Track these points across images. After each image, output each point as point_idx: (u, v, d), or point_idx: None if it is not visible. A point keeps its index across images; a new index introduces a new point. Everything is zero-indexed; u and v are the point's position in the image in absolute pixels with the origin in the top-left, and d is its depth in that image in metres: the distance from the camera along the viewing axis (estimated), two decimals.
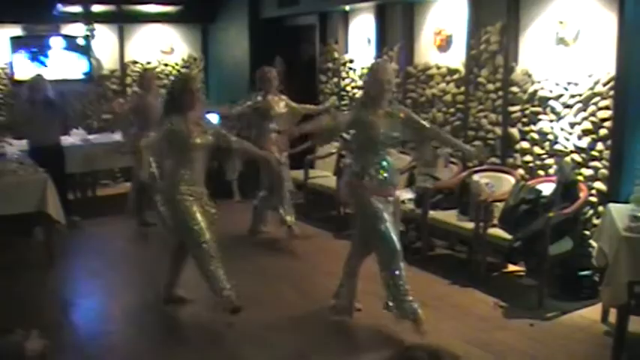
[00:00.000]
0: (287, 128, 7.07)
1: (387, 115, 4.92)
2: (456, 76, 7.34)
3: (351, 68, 9.07)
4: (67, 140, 8.57)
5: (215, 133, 5.37)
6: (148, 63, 10.76)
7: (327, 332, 5.12)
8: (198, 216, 5.12)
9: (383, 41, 8.39)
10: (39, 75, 8.06)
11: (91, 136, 9.15)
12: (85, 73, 10.00)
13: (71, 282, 6.68)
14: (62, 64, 9.71)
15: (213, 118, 7.12)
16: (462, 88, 7.20)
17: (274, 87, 7.45)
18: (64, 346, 4.85)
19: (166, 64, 10.96)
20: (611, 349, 4.56)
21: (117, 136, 9.21)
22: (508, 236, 5.74)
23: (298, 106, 7.65)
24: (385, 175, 4.91)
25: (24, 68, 9.38)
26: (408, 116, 5.05)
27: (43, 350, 3.03)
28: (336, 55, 9.33)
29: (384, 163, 4.93)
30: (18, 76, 9.40)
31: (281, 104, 7.47)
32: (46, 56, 9.63)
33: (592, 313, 5.30)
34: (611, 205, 5.09)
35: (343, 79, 9.20)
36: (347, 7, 8.74)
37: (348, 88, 9.10)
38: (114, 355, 4.88)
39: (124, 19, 10.51)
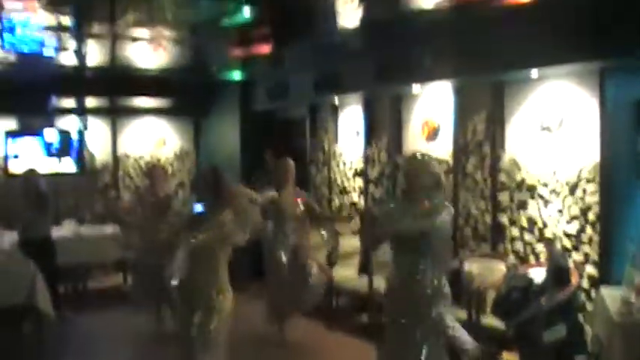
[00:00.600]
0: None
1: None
2: (444, 167, 7.43)
3: (340, 160, 9.18)
4: (58, 232, 8.53)
5: None
6: (141, 156, 10.87)
7: None
8: None
9: (372, 133, 8.54)
10: (32, 169, 8.12)
11: (82, 228, 9.11)
12: (78, 166, 10.07)
13: None
14: (55, 157, 9.79)
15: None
16: (451, 178, 7.28)
17: (291, 182, 7.02)
18: None
19: (159, 158, 11.06)
20: None
21: (109, 229, 9.21)
22: (501, 324, 5.69)
23: (319, 210, 7.27)
24: None
25: (18, 161, 9.46)
26: None
27: None
28: (326, 146, 9.47)
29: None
30: (12, 169, 9.48)
31: (299, 204, 6.97)
32: (40, 149, 9.72)
33: None
34: (603, 290, 5.09)
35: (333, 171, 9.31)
36: (336, 100, 8.93)
37: (339, 181, 9.19)
38: None
39: (117, 112, 10.71)
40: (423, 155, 4.58)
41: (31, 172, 8.03)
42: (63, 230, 8.82)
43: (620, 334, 4.32)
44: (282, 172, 7.00)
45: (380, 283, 6.15)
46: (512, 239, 6.57)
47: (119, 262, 9.68)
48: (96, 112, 10.51)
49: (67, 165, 9.98)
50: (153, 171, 7.75)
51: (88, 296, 9.12)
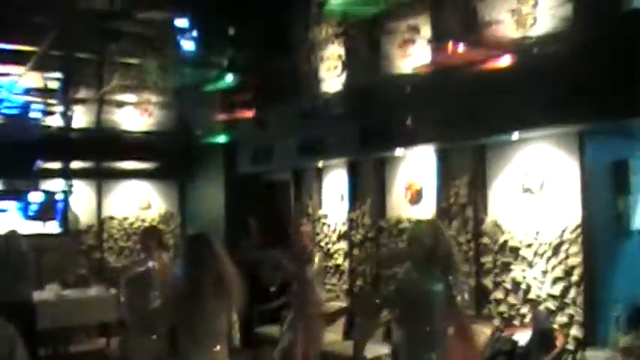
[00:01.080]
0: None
1: None
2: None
3: (325, 223, 9.20)
4: (40, 295, 8.44)
5: None
6: (125, 218, 10.85)
7: None
8: None
9: (356, 196, 8.59)
10: (13, 230, 8.07)
11: (65, 292, 9.00)
12: (62, 228, 10.02)
13: None
14: (39, 220, 9.75)
15: None
16: None
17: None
18: None
19: (143, 220, 11.03)
20: None
21: (93, 291, 9.12)
22: None
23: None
24: None
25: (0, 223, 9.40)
26: None
27: None
28: (310, 210, 9.50)
29: None
30: None
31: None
32: (23, 211, 9.69)
33: None
34: (588, 352, 5.08)
35: (318, 234, 9.31)
36: (320, 164, 9.00)
37: (323, 244, 9.18)
38: None
39: (102, 175, 10.75)
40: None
41: (12, 233, 7.99)
42: (45, 294, 8.72)
43: None
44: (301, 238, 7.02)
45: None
46: (497, 302, 6.56)
47: (102, 325, 9.58)
48: (81, 174, 10.54)
49: (51, 226, 9.92)
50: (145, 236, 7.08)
51: None
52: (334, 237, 9.03)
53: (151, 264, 6.79)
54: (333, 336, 7.79)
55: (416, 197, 7.66)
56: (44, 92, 9.75)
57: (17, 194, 9.81)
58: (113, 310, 8.32)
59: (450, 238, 4.02)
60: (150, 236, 7.06)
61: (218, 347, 4.27)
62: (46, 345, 8.83)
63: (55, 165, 10.21)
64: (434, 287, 3.87)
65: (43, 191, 10.06)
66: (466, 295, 4.08)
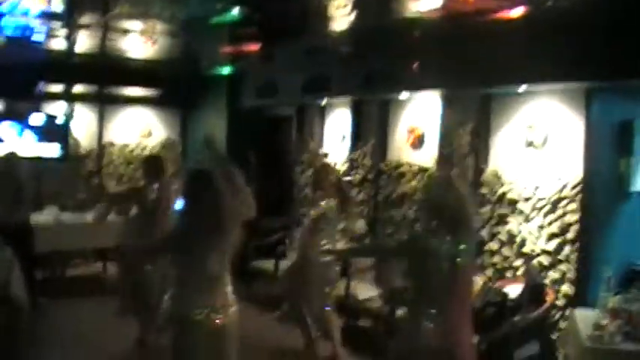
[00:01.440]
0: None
1: None
2: (427, 175, 7.44)
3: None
4: (39, 218, 8.46)
5: None
6: (126, 145, 10.84)
7: None
8: None
9: (358, 137, 8.54)
10: (12, 152, 8.04)
11: (64, 215, 9.03)
12: (62, 152, 10.01)
13: None
14: (40, 142, 9.73)
15: None
16: None
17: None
18: None
19: (144, 147, 11.00)
20: None
21: (90, 217, 9.15)
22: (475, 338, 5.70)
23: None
24: None
25: (1, 145, 9.38)
26: None
27: None
28: (311, 147, 9.45)
29: None
30: None
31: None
32: (24, 133, 9.66)
33: None
34: (577, 312, 5.11)
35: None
36: (324, 102, 8.92)
37: None
38: None
39: (104, 100, 10.66)
40: None
41: (12, 156, 7.96)
42: (44, 217, 8.73)
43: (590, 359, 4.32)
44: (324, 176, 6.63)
45: None
46: (491, 253, 6.57)
47: (100, 251, 9.66)
48: (83, 99, 10.46)
49: (52, 150, 9.90)
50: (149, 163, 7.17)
51: (66, 284, 9.08)
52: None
53: (153, 191, 6.87)
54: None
55: (418, 142, 7.61)
56: (48, 15, 9.57)
57: (18, 116, 9.73)
58: (111, 235, 8.38)
59: (465, 194, 3.91)
60: (153, 164, 7.11)
61: (220, 282, 4.26)
62: (43, 268, 8.93)
63: (58, 88, 10.11)
64: (443, 243, 3.80)
65: (45, 114, 9.99)
66: (473, 253, 3.97)
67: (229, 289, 4.27)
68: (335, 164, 8.83)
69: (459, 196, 3.79)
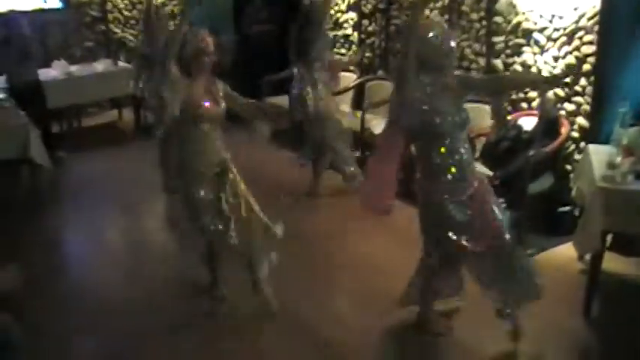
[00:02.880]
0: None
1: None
2: (439, 4, 7.16)
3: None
4: (48, 74, 8.38)
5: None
6: None
7: None
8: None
9: None
10: (12, 10, 7.83)
11: (73, 68, 8.90)
12: (63, 1, 9.67)
13: (57, 222, 6.67)
14: None
15: None
16: (446, 16, 7.04)
17: None
18: (46, 289, 5.00)
19: None
20: (585, 290, 4.63)
21: (100, 67, 9.06)
22: (489, 172, 5.74)
23: None
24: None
25: None
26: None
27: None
28: None
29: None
30: None
31: None
32: None
33: (570, 249, 5.32)
34: (591, 147, 5.08)
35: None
36: None
37: (332, 12, 8.86)
38: (102, 303, 4.95)
39: None
40: None
41: (11, 13, 7.76)
42: (53, 72, 8.63)
43: (601, 198, 4.32)
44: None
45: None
46: None
47: (114, 100, 9.67)
48: None
49: (52, 1, 9.56)
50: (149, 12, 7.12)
51: (83, 135, 9.18)
52: (343, 6, 8.75)
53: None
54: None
55: None
56: None
57: None
58: (123, 84, 8.34)
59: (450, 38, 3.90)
60: (152, 13, 6.98)
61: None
62: (60, 122, 8.98)
63: None
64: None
65: None
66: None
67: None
68: None
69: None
